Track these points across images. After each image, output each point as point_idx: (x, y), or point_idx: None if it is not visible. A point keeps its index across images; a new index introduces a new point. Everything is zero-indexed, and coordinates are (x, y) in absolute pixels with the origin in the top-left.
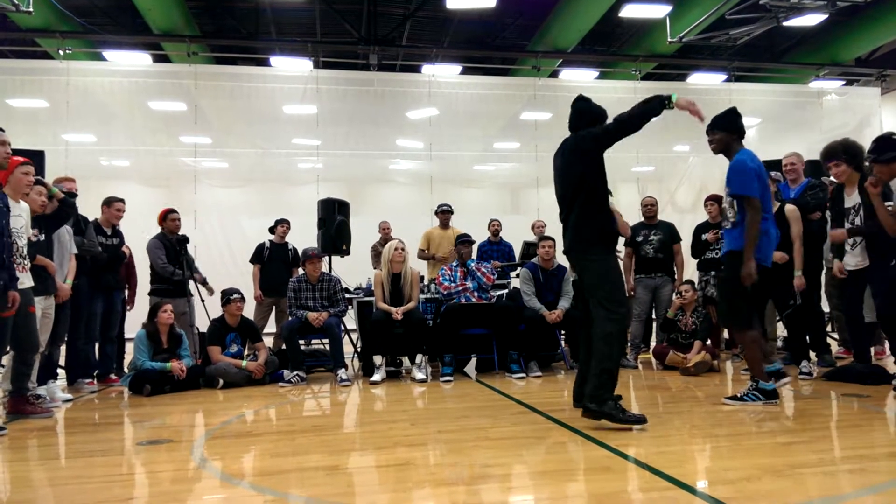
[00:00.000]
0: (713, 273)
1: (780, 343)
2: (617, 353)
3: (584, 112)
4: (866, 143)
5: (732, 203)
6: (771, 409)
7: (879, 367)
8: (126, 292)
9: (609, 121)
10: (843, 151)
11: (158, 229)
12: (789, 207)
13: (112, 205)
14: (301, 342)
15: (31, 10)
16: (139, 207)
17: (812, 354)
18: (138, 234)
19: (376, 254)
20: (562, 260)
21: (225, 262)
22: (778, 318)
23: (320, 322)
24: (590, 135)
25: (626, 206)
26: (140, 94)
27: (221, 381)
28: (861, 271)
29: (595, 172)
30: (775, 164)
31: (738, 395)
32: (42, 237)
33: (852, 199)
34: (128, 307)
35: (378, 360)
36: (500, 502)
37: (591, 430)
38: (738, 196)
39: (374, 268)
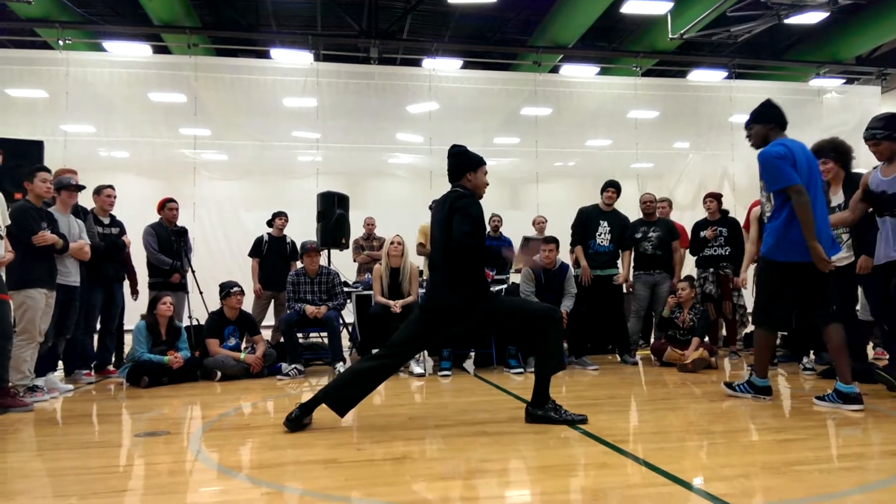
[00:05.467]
0: (711, 270)
1: (778, 340)
2: None
3: (460, 165)
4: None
5: (769, 197)
6: (767, 405)
7: (875, 365)
8: (127, 283)
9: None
10: (831, 150)
11: (156, 219)
12: (754, 211)
13: (101, 192)
14: (299, 335)
15: None
16: (138, 199)
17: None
18: (140, 224)
19: (357, 247)
20: (563, 258)
21: (223, 255)
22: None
23: (319, 315)
24: (462, 224)
25: (626, 203)
26: (140, 85)
27: (219, 374)
28: (846, 267)
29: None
30: None
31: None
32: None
33: (837, 197)
34: (133, 297)
35: None
36: (498, 497)
37: (588, 426)
38: (777, 192)
39: (354, 261)
